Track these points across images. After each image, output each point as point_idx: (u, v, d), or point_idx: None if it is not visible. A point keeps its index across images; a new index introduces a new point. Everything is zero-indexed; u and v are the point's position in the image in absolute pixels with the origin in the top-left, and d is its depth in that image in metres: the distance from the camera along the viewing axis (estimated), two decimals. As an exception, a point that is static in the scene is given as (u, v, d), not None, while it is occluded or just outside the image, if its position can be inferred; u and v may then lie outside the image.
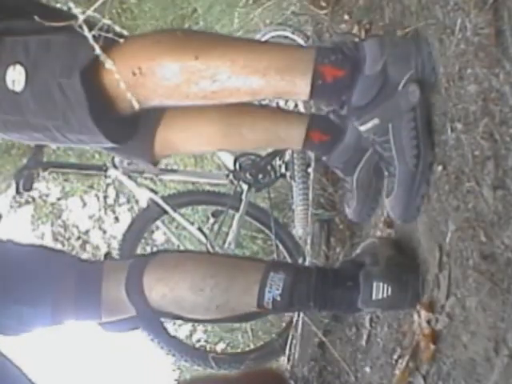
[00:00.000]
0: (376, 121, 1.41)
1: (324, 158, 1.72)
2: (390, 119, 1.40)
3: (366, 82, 1.39)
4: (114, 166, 2.76)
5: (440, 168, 1.37)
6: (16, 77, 1.36)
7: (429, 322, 1.34)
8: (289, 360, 2.32)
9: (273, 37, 3.02)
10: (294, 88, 1.40)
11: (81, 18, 1.12)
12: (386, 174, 1.49)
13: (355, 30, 2.10)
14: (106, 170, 2.78)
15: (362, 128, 1.44)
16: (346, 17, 2.21)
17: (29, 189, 2.77)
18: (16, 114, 1.40)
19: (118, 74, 1.26)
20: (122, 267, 1.48)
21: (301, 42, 2.77)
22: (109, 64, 1.20)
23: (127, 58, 1.35)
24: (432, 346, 1.31)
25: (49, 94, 1.35)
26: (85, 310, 1.47)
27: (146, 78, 1.34)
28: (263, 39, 3.04)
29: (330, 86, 1.39)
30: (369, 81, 1.39)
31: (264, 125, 1.68)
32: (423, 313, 1.37)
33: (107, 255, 1.66)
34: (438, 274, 1.34)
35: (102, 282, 1.45)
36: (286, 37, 2.89)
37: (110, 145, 1.43)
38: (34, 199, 6.77)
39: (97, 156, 4.57)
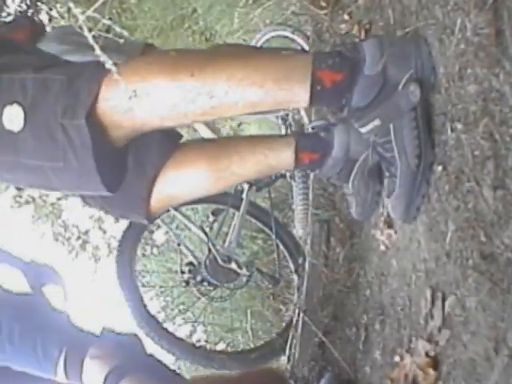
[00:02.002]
0: (377, 122, 1.41)
1: (317, 172, 1.73)
2: (391, 120, 1.40)
3: (366, 83, 1.38)
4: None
5: (440, 168, 1.37)
6: (13, 116, 1.34)
7: (427, 353, 1.35)
8: (289, 360, 2.32)
9: (273, 37, 3.02)
10: (293, 96, 1.39)
11: (81, 18, 1.12)
12: (386, 174, 1.49)
13: (355, 30, 2.10)
14: None
15: (363, 130, 1.44)
16: (346, 17, 2.20)
17: None
18: (10, 154, 1.37)
19: (118, 75, 1.26)
20: (107, 361, 1.61)
21: (301, 41, 2.77)
22: (109, 65, 1.20)
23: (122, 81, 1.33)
24: (432, 372, 1.31)
25: (50, 134, 1.33)
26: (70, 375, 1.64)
27: (143, 100, 1.33)
28: (263, 39, 3.05)
29: (330, 91, 1.39)
30: (369, 81, 1.38)
31: (253, 159, 1.67)
32: (420, 344, 1.37)
33: (103, 330, 1.75)
34: (432, 309, 1.35)
35: (85, 359, 1.61)
36: (286, 37, 2.89)
37: (104, 192, 1.41)
38: (33, 199, 6.77)
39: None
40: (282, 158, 1.68)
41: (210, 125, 3.13)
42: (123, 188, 1.53)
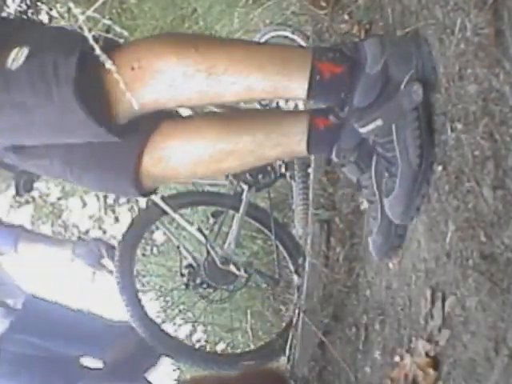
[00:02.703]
0: (379, 122, 1.39)
1: (334, 151, 1.54)
2: (394, 120, 1.39)
3: (368, 82, 1.38)
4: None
5: (440, 168, 1.37)
6: (18, 56, 1.37)
7: (427, 353, 1.34)
8: (289, 360, 2.33)
9: (273, 37, 3.01)
10: (290, 83, 1.37)
11: (81, 18, 1.12)
12: (386, 174, 1.48)
13: (355, 30, 2.10)
14: None
15: (363, 130, 1.42)
16: (346, 17, 2.20)
17: (29, 190, 2.77)
18: (1, 91, 1.39)
19: (118, 74, 1.26)
20: None
21: (301, 41, 2.77)
22: (109, 64, 1.20)
23: (126, 53, 1.35)
24: (433, 373, 1.31)
25: (41, 69, 1.35)
26: None
27: (144, 71, 1.34)
28: (263, 39, 3.04)
29: (329, 82, 1.38)
30: (370, 80, 1.38)
31: (266, 145, 1.53)
32: (420, 344, 1.36)
33: None
34: (432, 309, 1.35)
35: None
36: (286, 37, 2.88)
37: (94, 127, 1.35)
38: (34, 199, 6.77)
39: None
40: (295, 143, 1.54)
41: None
42: (111, 155, 1.47)
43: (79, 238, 3.03)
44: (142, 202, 2.79)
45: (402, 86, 1.38)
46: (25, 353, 2.89)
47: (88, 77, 1.34)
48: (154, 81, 1.35)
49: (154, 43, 1.40)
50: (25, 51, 1.37)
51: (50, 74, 1.34)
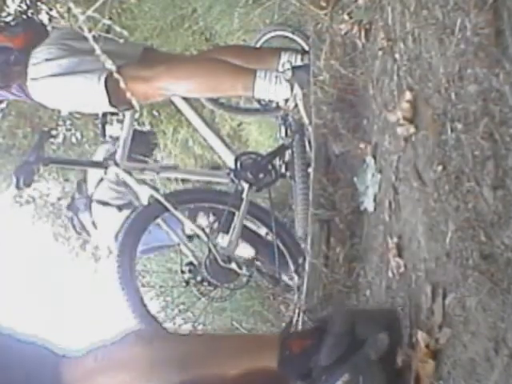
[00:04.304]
0: (346, 376, 1.35)
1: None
2: (361, 371, 1.35)
3: (334, 340, 1.37)
4: (115, 163, 2.75)
5: (440, 168, 1.37)
6: None
7: (427, 345, 1.34)
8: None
9: (273, 37, 3.02)
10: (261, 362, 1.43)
11: (81, 18, 1.12)
12: None
13: (355, 30, 2.10)
14: (106, 167, 2.77)
15: None
16: (346, 17, 2.20)
17: (29, 184, 2.76)
18: None
19: (120, 76, 1.25)
20: None
21: (301, 41, 2.77)
22: (109, 64, 1.20)
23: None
24: (432, 362, 1.31)
25: None
26: None
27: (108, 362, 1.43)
28: (263, 39, 3.04)
29: (298, 355, 1.40)
30: (336, 339, 1.38)
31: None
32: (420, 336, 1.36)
33: None
34: (432, 305, 1.35)
35: None
36: (286, 37, 2.89)
37: None
38: (34, 199, 6.77)
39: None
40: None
41: (208, 122, 3.12)
42: None
43: None
44: (143, 198, 2.78)
45: (369, 340, 1.36)
46: None
47: None
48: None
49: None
50: None
51: None
